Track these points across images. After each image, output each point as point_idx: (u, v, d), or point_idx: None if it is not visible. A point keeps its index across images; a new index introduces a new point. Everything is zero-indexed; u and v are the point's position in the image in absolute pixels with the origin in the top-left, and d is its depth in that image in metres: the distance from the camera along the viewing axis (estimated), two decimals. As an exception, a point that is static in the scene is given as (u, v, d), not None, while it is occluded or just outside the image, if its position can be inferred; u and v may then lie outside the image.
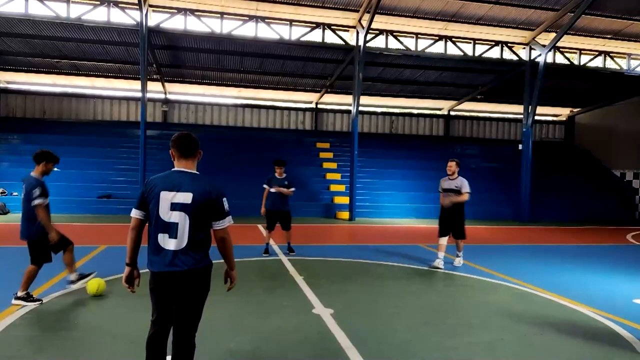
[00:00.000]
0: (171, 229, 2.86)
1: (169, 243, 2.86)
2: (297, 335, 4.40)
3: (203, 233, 2.92)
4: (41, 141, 18.31)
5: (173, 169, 3.01)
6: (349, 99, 20.68)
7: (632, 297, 6.27)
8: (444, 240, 8.04)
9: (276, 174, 8.65)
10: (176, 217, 2.85)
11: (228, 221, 2.97)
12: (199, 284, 2.93)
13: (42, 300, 5.16)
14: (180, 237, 2.85)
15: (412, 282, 6.85)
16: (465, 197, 7.86)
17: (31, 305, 5.00)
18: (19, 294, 5.06)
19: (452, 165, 7.98)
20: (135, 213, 2.98)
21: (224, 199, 2.96)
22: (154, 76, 19.60)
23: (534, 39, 17.64)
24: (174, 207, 2.85)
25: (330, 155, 21.20)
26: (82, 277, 5.76)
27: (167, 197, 2.87)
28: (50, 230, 5.12)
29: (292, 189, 8.68)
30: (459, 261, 8.15)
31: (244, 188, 17.57)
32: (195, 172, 3.01)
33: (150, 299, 3.01)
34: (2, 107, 20.84)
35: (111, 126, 21.21)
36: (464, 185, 7.88)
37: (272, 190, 8.54)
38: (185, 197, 2.85)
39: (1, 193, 15.11)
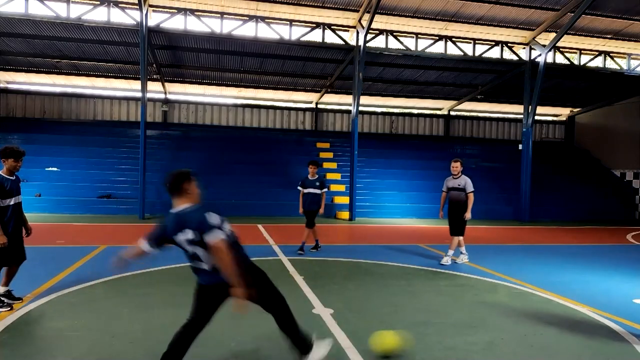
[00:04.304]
0: (196, 257, 3.21)
1: (199, 265, 3.23)
2: (297, 335, 4.40)
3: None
4: (41, 141, 18.35)
5: (171, 211, 3.28)
6: (349, 99, 20.70)
7: (632, 297, 6.27)
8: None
9: (309, 175, 8.95)
10: (193, 249, 3.16)
11: (214, 236, 3.07)
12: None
13: (11, 307, 4.94)
14: (205, 262, 3.17)
15: (412, 282, 6.85)
16: (471, 199, 8.09)
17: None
18: None
19: (457, 166, 8.27)
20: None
21: (205, 218, 3.10)
22: (154, 76, 19.60)
23: (534, 39, 17.65)
24: (188, 243, 3.15)
25: (330, 155, 21.20)
26: (8, 295, 5.12)
27: (179, 238, 3.18)
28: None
29: (324, 190, 9.00)
30: (447, 260, 8.17)
31: (243, 188, 17.63)
32: (185, 207, 3.20)
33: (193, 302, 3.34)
34: (2, 107, 20.85)
35: (111, 126, 21.22)
36: (468, 184, 8.14)
37: (305, 191, 8.88)
38: (188, 234, 3.12)
39: None
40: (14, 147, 5.06)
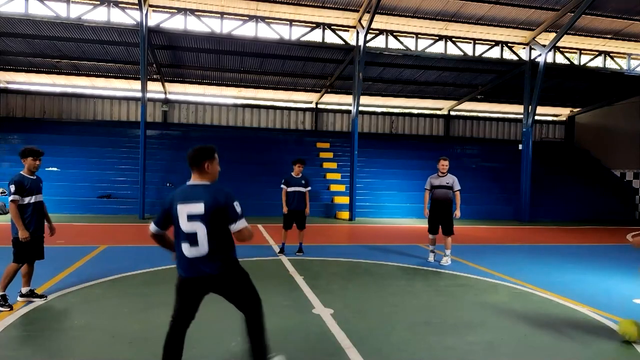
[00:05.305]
0: (191, 238, 3.10)
1: (190, 251, 3.12)
2: (297, 335, 4.41)
3: (221, 238, 3.14)
4: (41, 141, 18.34)
5: (187, 183, 3.24)
6: (349, 99, 20.70)
7: (631, 297, 6.27)
8: (433, 237, 8.45)
9: (293, 173, 8.73)
10: (194, 227, 3.08)
11: (241, 223, 3.14)
12: (230, 281, 3.24)
13: (12, 307, 4.95)
14: (201, 244, 3.09)
15: (412, 282, 6.85)
16: (459, 197, 8.18)
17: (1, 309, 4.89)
18: None
19: (447, 164, 8.29)
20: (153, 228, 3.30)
21: (235, 203, 3.13)
22: (154, 76, 19.60)
23: (534, 39, 17.65)
24: (191, 218, 3.08)
25: (330, 155, 21.20)
26: (31, 294, 5.29)
27: (183, 210, 3.10)
28: (19, 228, 4.98)
29: (309, 188, 8.80)
30: (446, 260, 8.16)
31: (244, 188, 17.61)
32: (204, 182, 3.19)
33: (176, 298, 3.26)
34: (2, 107, 20.85)
35: (111, 126, 21.22)
36: (456, 182, 8.22)
37: (290, 190, 8.65)
38: (198, 208, 3.07)
39: (1, 193, 15.11)
40: (32, 147, 5.27)
